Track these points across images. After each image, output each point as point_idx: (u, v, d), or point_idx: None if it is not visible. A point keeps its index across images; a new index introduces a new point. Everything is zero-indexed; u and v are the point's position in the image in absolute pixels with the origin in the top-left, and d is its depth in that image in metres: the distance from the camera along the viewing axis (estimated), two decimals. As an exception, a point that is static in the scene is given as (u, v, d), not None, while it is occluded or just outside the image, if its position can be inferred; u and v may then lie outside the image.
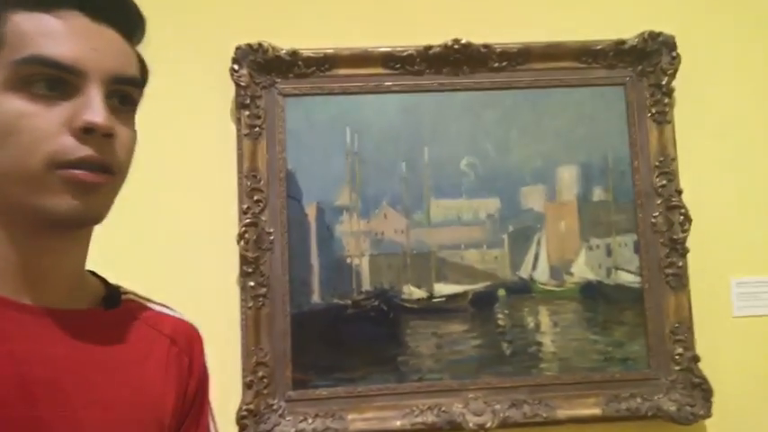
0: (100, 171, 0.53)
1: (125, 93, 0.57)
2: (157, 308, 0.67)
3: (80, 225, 0.56)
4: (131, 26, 0.59)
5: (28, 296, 0.55)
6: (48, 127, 0.52)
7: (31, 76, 0.52)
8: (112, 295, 0.63)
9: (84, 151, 0.52)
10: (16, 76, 0.52)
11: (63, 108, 0.52)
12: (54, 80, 0.52)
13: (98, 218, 0.56)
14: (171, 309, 0.69)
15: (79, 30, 0.54)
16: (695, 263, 1.42)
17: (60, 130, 0.52)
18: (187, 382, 0.65)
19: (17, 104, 0.52)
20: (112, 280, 0.66)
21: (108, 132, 0.53)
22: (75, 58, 0.53)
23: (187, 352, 0.66)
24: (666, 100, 1.44)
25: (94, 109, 0.52)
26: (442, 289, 1.41)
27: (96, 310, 0.61)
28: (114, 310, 0.62)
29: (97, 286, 0.63)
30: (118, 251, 1.28)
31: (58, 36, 0.53)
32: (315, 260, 1.39)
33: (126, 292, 0.65)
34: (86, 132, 0.52)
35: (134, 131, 0.59)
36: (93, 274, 0.65)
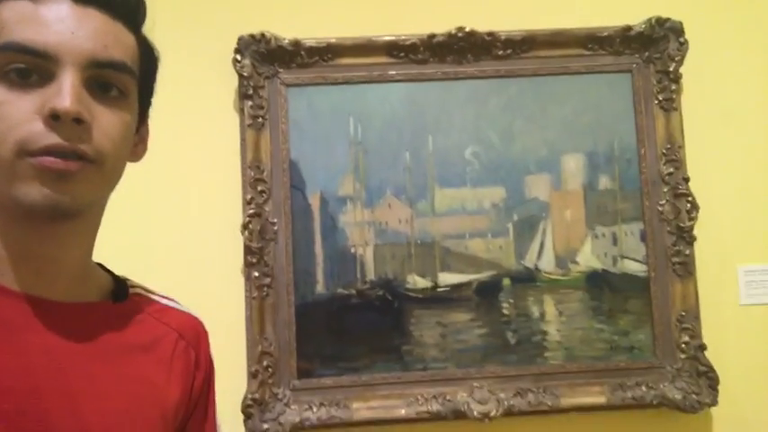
0: (73, 158, 0.51)
1: (107, 78, 0.54)
2: (164, 301, 0.67)
3: (54, 214, 0.53)
4: (124, 9, 0.57)
5: (34, 287, 0.55)
6: (19, 114, 0.50)
7: (6, 64, 0.51)
8: (120, 288, 0.63)
9: (52, 139, 0.50)
10: None
11: (37, 95, 0.51)
12: (28, 67, 0.51)
13: (73, 206, 0.53)
14: (177, 302, 0.69)
15: (59, 14, 0.52)
16: (702, 251, 1.41)
17: (32, 118, 0.50)
18: (194, 376, 0.65)
19: None
20: (119, 272, 0.66)
21: (77, 118, 0.51)
22: (45, 42, 0.51)
23: (194, 346, 0.66)
24: (674, 87, 1.42)
25: (63, 94, 0.51)
26: (447, 278, 1.41)
27: (104, 302, 0.61)
28: (122, 303, 0.62)
29: (105, 279, 0.63)
30: (122, 242, 1.28)
31: (34, 22, 0.52)
32: (319, 250, 1.39)
33: (133, 286, 0.65)
34: (54, 119, 0.50)
35: (124, 118, 0.56)
36: (101, 266, 0.65)
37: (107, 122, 0.54)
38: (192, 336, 0.66)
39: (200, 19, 1.42)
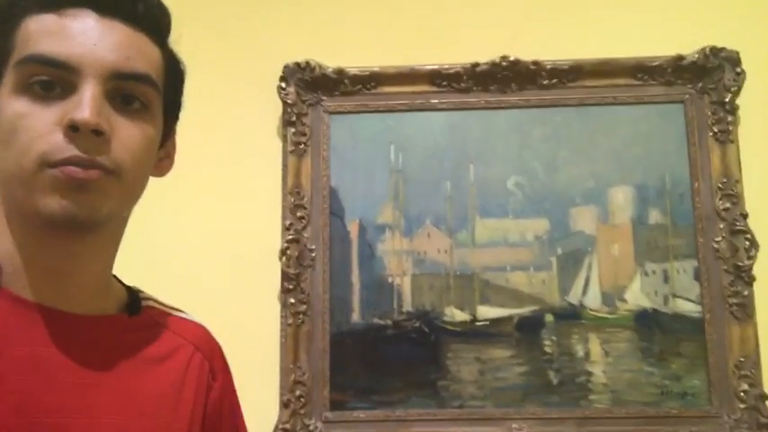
0: (92, 168, 0.51)
1: (130, 90, 0.54)
2: (176, 313, 0.67)
3: (73, 225, 0.52)
4: (148, 20, 0.56)
5: (54, 301, 0.55)
6: (41, 126, 0.51)
7: (30, 76, 0.52)
8: (134, 300, 0.63)
9: (71, 150, 0.50)
10: (18, 78, 0.52)
11: (58, 107, 0.51)
12: (51, 79, 0.52)
13: (93, 217, 0.52)
14: (188, 314, 0.68)
15: (84, 27, 0.53)
16: (762, 292, 1.32)
17: (53, 129, 0.51)
18: (209, 387, 0.64)
19: (18, 106, 0.52)
20: (128, 282, 0.66)
21: (96, 129, 0.51)
22: (68, 54, 0.52)
23: (209, 357, 0.65)
24: (730, 118, 1.36)
25: (83, 106, 0.50)
26: (486, 312, 1.36)
27: (121, 316, 0.61)
28: (138, 315, 0.62)
29: (120, 291, 0.63)
30: (161, 263, 1.30)
31: (57, 34, 0.52)
32: (356, 278, 1.37)
33: (145, 297, 0.65)
34: (74, 130, 0.50)
35: (146, 130, 0.56)
36: (115, 277, 0.65)
37: (127, 135, 0.54)
38: (207, 348, 0.66)
39: (247, 46, 1.46)
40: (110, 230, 0.58)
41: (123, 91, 0.54)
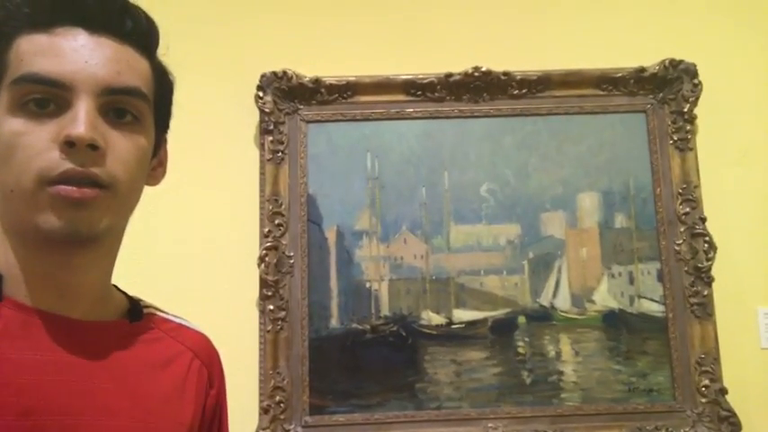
0: (89, 185, 0.52)
1: (121, 103, 0.55)
2: (177, 320, 0.68)
3: (71, 242, 0.54)
4: (137, 35, 0.58)
5: (53, 307, 0.56)
6: (38, 144, 0.52)
7: (25, 95, 0.53)
8: (135, 308, 0.64)
9: (66, 165, 0.52)
10: (13, 97, 0.53)
11: (53, 124, 0.52)
12: (45, 97, 0.53)
13: (90, 233, 0.54)
14: (188, 321, 0.69)
15: (74, 45, 0.54)
16: (721, 292, 1.39)
17: (49, 146, 0.52)
18: (207, 394, 0.65)
19: (15, 124, 0.53)
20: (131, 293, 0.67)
21: (91, 144, 0.52)
22: (60, 72, 0.53)
23: (207, 365, 0.67)
24: (689, 127, 1.43)
25: (77, 122, 0.52)
26: (462, 315, 1.40)
27: (122, 321, 0.62)
28: (138, 322, 0.63)
29: (121, 299, 0.64)
30: (139, 269, 1.29)
31: (50, 53, 0.54)
32: (334, 284, 1.39)
33: (146, 306, 0.66)
34: (69, 146, 0.52)
35: (138, 142, 0.57)
36: (115, 287, 0.66)
37: (121, 148, 0.55)
38: (206, 355, 0.67)
39: (225, 55, 1.47)
40: (108, 242, 0.59)
41: (115, 105, 0.55)
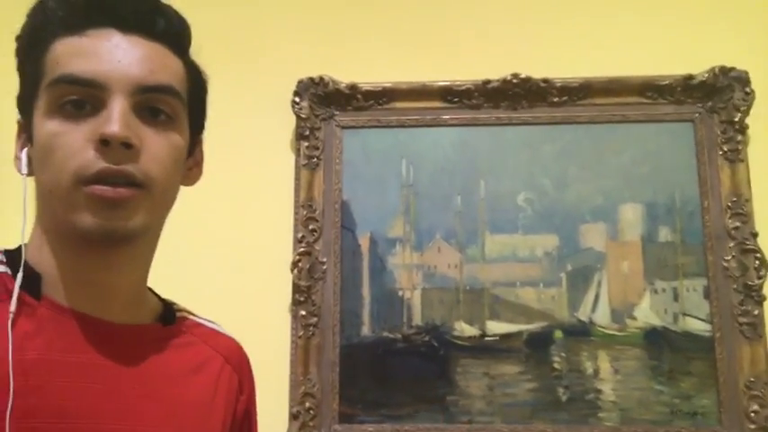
0: (124, 185, 0.53)
1: (155, 102, 0.56)
2: (209, 324, 0.68)
3: (107, 241, 0.54)
4: (169, 34, 0.58)
5: (90, 308, 0.56)
6: (75, 143, 0.53)
7: (61, 97, 0.54)
8: (168, 311, 0.64)
9: (102, 164, 0.52)
10: (50, 99, 0.54)
11: (89, 124, 0.53)
12: (82, 99, 0.54)
13: (126, 232, 0.54)
14: (220, 326, 0.69)
15: (107, 45, 0.55)
16: (773, 312, 1.31)
17: (85, 146, 0.53)
18: (237, 400, 0.65)
19: (52, 126, 0.54)
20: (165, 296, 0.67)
21: (125, 141, 0.52)
22: (94, 71, 0.54)
23: (238, 370, 0.66)
24: (739, 137, 1.37)
25: (112, 120, 0.52)
26: (495, 327, 1.37)
27: (155, 325, 0.62)
28: (171, 326, 0.63)
29: (155, 302, 0.65)
30: (173, 273, 1.31)
31: (84, 54, 0.54)
32: (366, 291, 1.38)
33: (180, 309, 0.66)
34: (104, 144, 0.52)
35: (173, 141, 0.57)
36: (149, 290, 0.66)
37: (156, 146, 0.55)
38: (237, 361, 0.67)
39: (262, 62, 1.48)
40: (144, 242, 0.59)
41: (149, 104, 0.56)
